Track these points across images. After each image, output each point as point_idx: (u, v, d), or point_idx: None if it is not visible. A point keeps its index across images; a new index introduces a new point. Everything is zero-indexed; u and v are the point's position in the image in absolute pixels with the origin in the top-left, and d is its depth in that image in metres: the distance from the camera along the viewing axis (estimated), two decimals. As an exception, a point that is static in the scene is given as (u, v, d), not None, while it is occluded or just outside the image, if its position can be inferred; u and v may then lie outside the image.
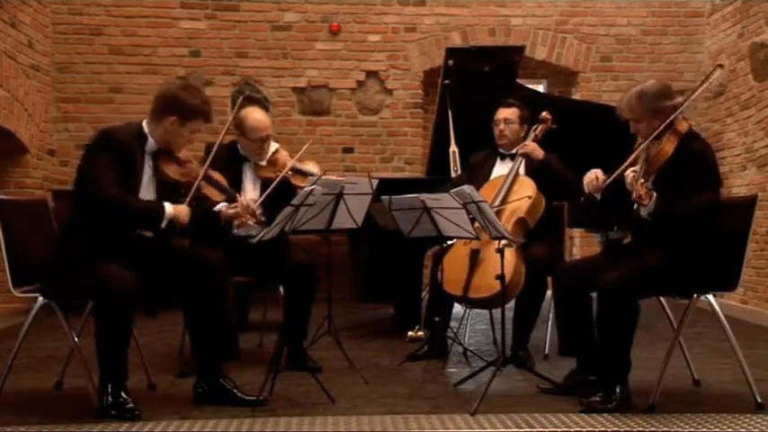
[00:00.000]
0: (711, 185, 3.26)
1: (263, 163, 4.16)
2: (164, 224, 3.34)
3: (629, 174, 3.23)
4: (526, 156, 4.28)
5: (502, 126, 4.41)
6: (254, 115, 4.16)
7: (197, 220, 3.53)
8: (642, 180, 3.13)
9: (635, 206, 3.35)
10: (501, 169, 4.40)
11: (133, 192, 3.35)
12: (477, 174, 4.49)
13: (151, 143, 3.42)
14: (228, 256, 3.65)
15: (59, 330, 3.32)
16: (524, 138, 4.41)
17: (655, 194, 3.16)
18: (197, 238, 4.14)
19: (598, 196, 3.37)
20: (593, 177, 3.39)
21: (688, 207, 3.17)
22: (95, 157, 3.31)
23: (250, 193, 4.10)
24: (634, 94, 3.36)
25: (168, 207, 3.35)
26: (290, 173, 4.10)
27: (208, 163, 3.55)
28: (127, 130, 3.44)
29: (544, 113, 4.44)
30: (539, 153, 4.25)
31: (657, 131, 3.27)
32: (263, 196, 3.88)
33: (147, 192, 3.43)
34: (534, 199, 4.13)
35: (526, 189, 4.17)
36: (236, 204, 3.65)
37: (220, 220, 3.66)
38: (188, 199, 3.44)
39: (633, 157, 3.33)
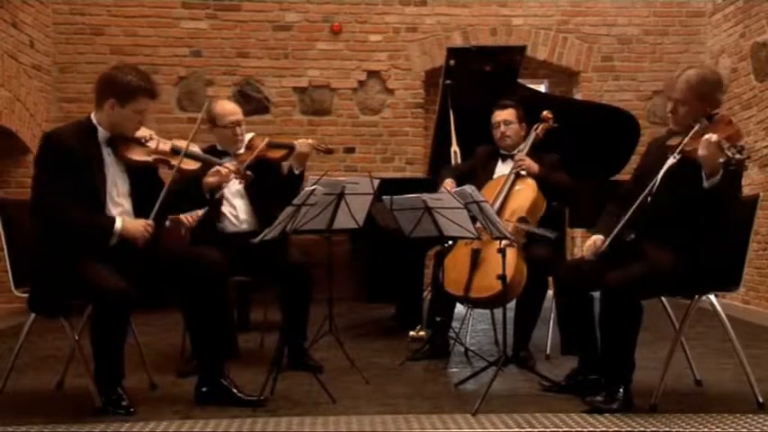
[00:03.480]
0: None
1: (242, 151, 4.17)
2: (113, 240, 3.21)
3: (713, 137, 3.02)
4: (521, 169, 4.27)
5: (503, 128, 4.41)
6: (220, 104, 4.24)
7: (181, 200, 3.45)
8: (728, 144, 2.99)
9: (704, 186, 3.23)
10: (503, 169, 4.40)
11: (98, 186, 3.25)
12: (481, 169, 4.49)
13: (102, 133, 3.32)
14: (228, 256, 3.65)
15: (61, 330, 3.32)
16: (525, 137, 4.41)
17: (722, 169, 3.06)
18: (197, 236, 4.15)
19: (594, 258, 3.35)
20: (591, 243, 3.37)
21: (737, 188, 3.18)
22: (42, 166, 3.22)
23: (235, 184, 4.10)
24: (694, 75, 3.25)
25: (118, 222, 3.22)
26: (266, 150, 4.11)
27: (189, 140, 3.41)
28: (71, 128, 3.36)
29: (545, 112, 4.45)
30: (534, 169, 4.24)
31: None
32: (247, 162, 3.87)
33: (117, 183, 3.34)
34: (535, 198, 4.14)
35: (528, 189, 4.17)
36: (214, 170, 3.51)
37: (205, 192, 3.52)
38: (166, 190, 3.28)
39: (682, 145, 3.21)
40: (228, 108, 4.18)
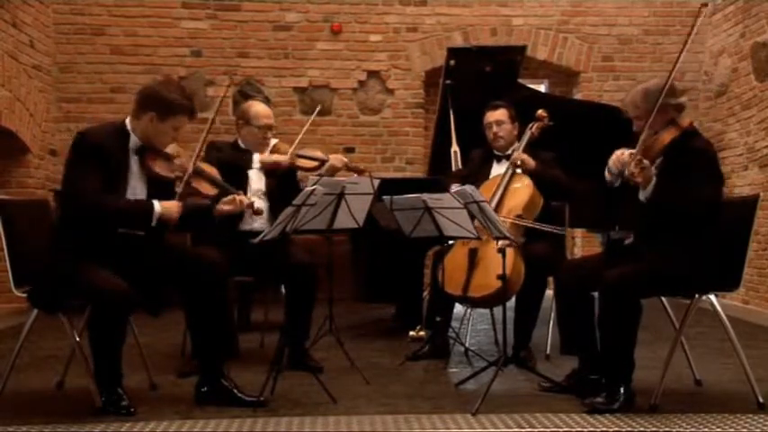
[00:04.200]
0: (712, 183, 3.25)
1: (266, 154, 4.21)
2: (154, 222, 3.30)
3: (626, 153, 3.20)
4: (517, 165, 4.28)
5: (495, 128, 4.43)
6: (257, 105, 4.35)
7: (189, 217, 3.49)
8: (639, 158, 3.14)
9: (639, 198, 3.33)
10: (499, 170, 4.42)
11: (119, 191, 3.30)
12: (477, 172, 4.49)
13: (134, 140, 3.38)
14: (229, 256, 3.66)
15: (61, 330, 3.32)
16: (519, 136, 4.43)
17: (655, 179, 3.17)
18: (197, 236, 4.16)
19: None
20: (620, 153, 3.32)
21: (686, 201, 3.17)
22: (74, 162, 3.26)
23: (255, 182, 4.17)
24: (640, 92, 3.37)
25: (157, 205, 3.30)
26: (295, 159, 4.25)
27: (195, 156, 3.49)
28: (105, 129, 3.40)
29: (540, 111, 4.46)
30: (530, 164, 4.25)
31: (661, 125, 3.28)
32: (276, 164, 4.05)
33: (137, 190, 3.38)
34: (531, 195, 4.15)
35: (524, 186, 4.20)
36: (230, 198, 3.61)
37: (214, 217, 3.61)
38: (179, 193, 3.40)
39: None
40: (264, 111, 4.28)
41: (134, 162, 3.39)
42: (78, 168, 3.24)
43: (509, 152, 4.39)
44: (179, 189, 3.42)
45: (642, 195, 3.23)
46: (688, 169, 3.19)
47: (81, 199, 3.21)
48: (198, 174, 3.57)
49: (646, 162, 3.17)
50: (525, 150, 4.33)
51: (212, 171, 3.72)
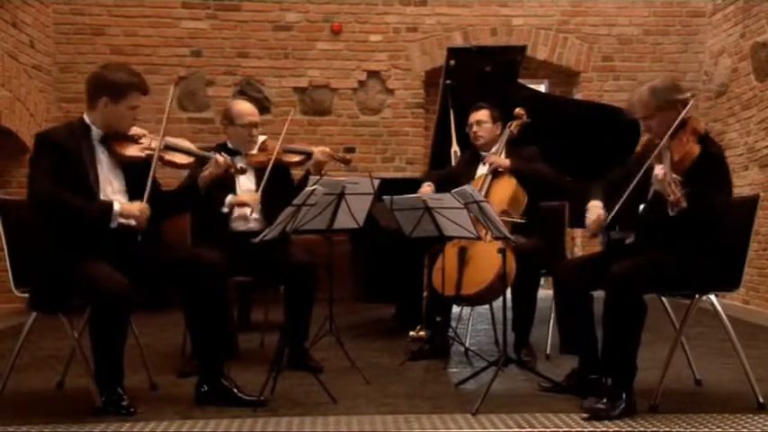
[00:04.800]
0: (725, 189, 3.25)
1: (254, 152, 4.19)
2: (114, 223, 3.24)
3: (660, 173, 3.10)
4: (493, 167, 4.33)
5: (475, 128, 4.51)
6: (240, 103, 4.32)
7: (181, 198, 3.51)
8: (677, 178, 3.03)
9: (641, 208, 3.33)
10: (484, 169, 4.47)
11: (92, 184, 3.28)
12: (463, 172, 4.53)
13: (96, 132, 3.36)
14: (229, 256, 3.66)
15: (61, 330, 3.32)
16: (501, 135, 4.49)
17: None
18: (197, 236, 4.16)
19: (600, 236, 3.33)
20: (596, 218, 3.34)
21: (712, 208, 3.14)
22: (34, 161, 3.26)
23: (245, 182, 4.15)
24: (646, 90, 3.35)
25: (116, 205, 3.24)
26: (282, 154, 4.20)
27: (162, 130, 3.42)
28: (64, 128, 3.41)
29: (518, 109, 4.54)
30: (504, 164, 4.32)
31: (673, 128, 3.22)
32: (263, 183, 3.99)
33: (112, 182, 3.37)
34: (515, 191, 4.21)
35: (506, 183, 4.25)
36: (210, 163, 3.54)
37: (200, 188, 3.55)
38: (152, 173, 3.34)
39: (650, 161, 3.23)
40: (247, 109, 4.23)
41: (101, 153, 3.37)
42: (37, 167, 3.24)
43: (493, 151, 4.44)
44: (153, 166, 3.37)
45: (673, 210, 3.09)
46: (708, 176, 3.16)
47: (39, 196, 3.21)
48: (169, 147, 3.52)
49: (679, 179, 3.06)
50: (506, 148, 4.42)
51: (182, 142, 3.65)
